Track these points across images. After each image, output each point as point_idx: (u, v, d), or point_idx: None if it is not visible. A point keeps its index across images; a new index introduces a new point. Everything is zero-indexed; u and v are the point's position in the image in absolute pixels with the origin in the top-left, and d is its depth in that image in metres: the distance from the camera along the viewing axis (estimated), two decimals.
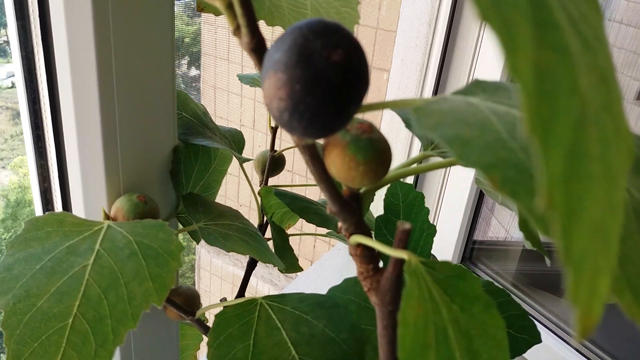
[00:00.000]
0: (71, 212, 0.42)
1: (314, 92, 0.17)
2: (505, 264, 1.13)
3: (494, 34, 0.09)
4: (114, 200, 0.39)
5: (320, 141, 0.22)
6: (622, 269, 0.13)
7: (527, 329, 0.45)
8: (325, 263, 1.11)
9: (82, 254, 0.32)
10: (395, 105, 0.20)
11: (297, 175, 1.78)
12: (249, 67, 1.76)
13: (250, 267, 0.50)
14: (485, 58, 0.91)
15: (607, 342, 0.89)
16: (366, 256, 0.24)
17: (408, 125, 0.33)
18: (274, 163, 0.55)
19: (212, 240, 0.39)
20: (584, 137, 0.09)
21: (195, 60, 2.08)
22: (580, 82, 0.10)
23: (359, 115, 0.20)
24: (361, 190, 0.24)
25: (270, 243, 0.49)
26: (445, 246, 1.07)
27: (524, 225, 0.34)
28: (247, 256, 0.47)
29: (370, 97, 0.18)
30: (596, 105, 0.10)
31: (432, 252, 0.49)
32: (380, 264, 0.25)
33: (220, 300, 0.42)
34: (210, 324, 0.37)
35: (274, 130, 0.54)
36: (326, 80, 0.17)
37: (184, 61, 2.12)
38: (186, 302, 0.42)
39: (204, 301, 0.44)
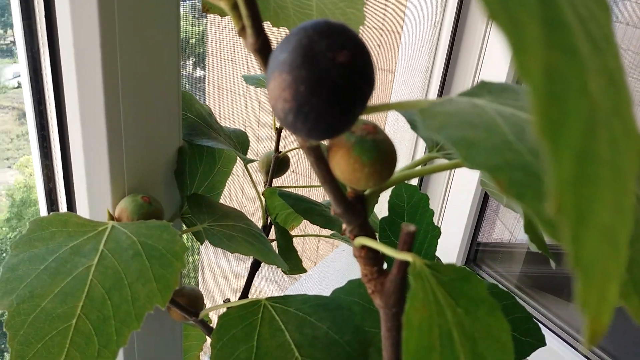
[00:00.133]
0: (76, 212, 0.42)
1: (319, 93, 0.17)
2: (509, 266, 1.13)
3: (502, 33, 0.09)
4: (118, 200, 0.39)
5: (325, 142, 0.22)
6: (630, 273, 0.12)
7: (532, 332, 0.45)
8: (329, 264, 1.11)
9: (86, 254, 0.32)
10: (401, 107, 0.20)
11: (301, 176, 1.78)
12: (254, 68, 1.76)
13: (254, 268, 0.50)
14: (491, 60, 0.91)
15: (612, 345, 0.88)
16: (370, 258, 0.24)
17: (413, 126, 0.33)
18: (278, 164, 0.55)
19: (216, 241, 0.39)
20: (593, 140, 0.09)
21: (200, 61, 2.08)
22: (590, 84, 0.10)
23: (364, 117, 0.20)
24: (366, 192, 0.24)
25: (274, 244, 0.49)
26: (450, 248, 1.07)
27: (529, 228, 0.34)
28: (251, 257, 0.47)
29: (374, 99, 0.18)
30: (605, 107, 0.10)
31: (437, 254, 0.48)
32: (385, 266, 0.25)
33: (224, 301, 0.42)
34: (213, 324, 0.37)
35: (278, 131, 0.54)
36: (331, 81, 0.17)
37: (190, 62, 2.12)
38: (190, 303, 0.42)
39: (208, 301, 0.43)
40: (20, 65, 0.46)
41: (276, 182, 0.56)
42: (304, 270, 0.52)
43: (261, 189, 0.52)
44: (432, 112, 0.16)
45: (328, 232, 0.49)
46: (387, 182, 0.22)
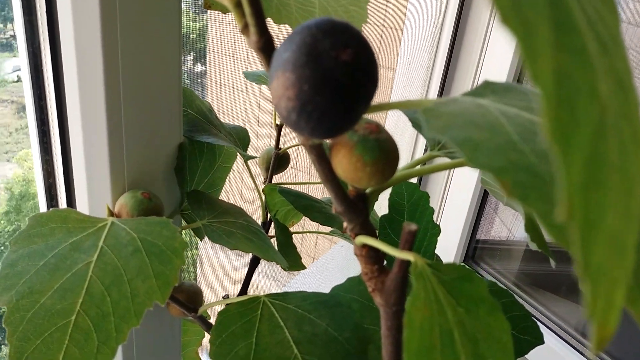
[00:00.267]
0: (75, 208, 0.42)
1: (322, 92, 0.17)
2: (507, 264, 1.13)
3: (514, 36, 0.09)
4: (118, 196, 0.39)
5: (327, 141, 0.21)
6: (636, 278, 0.12)
7: (530, 330, 0.45)
8: (327, 260, 1.11)
9: (85, 250, 0.32)
10: (404, 106, 0.20)
11: (300, 173, 1.78)
12: (255, 64, 1.76)
13: (253, 264, 0.50)
14: (493, 57, 0.91)
15: (612, 345, 0.89)
16: (371, 257, 0.24)
17: (415, 125, 0.33)
18: (278, 161, 0.55)
19: (215, 238, 0.39)
20: (603, 144, 0.09)
21: (201, 57, 2.08)
22: (600, 87, 0.10)
23: (367, 115, 0.20)
24: (367, 191, 0.24)
25: (274, 240, 0.49)
26: (449, 245, 1.07)
27: (530, 227, 0.34)
28: (250, 253, 0.47)
29: (375, 96, 0.18)
30: (614, 110, 0.10)
31: (435, 251, 0.48)
32: (384, 264, 0.24)
33: (223, 298, 0.42)
34: (212, 320, 0.37)
35: (278, 128, 0.54)
36: (335, 80, 0.17)
37: (190, 57, 2.11)
38: (189, 299, 0.42)
39: (206, 296, 0.43)
40: (21, 61, 0.46)
41: (275, 178, 0.56)
42: (303, 267, 0.52)
43: (261, 186, 0.52)
44: (436, 112, 0.16)
45: (328, 228, 0.49)
46: (389, 180, 0.22)
